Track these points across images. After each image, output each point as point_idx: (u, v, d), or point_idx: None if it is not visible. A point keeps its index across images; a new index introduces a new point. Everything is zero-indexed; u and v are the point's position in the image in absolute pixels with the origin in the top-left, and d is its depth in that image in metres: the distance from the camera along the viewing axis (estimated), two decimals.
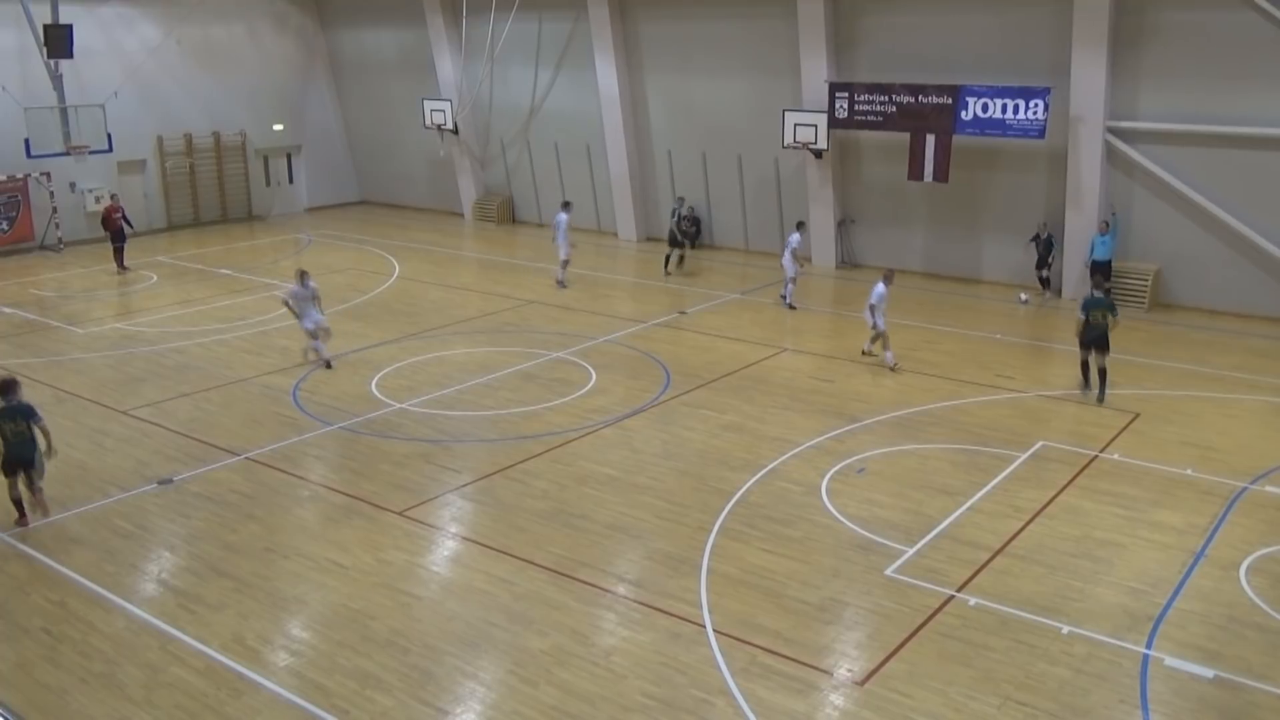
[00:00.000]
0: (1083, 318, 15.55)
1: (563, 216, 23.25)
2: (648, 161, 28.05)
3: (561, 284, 22.96)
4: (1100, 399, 15.46)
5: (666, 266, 24.53)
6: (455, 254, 27.20)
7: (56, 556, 11.06)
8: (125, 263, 25.17)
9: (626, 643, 9.36)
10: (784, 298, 21.39)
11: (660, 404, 15.68)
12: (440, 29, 30.67)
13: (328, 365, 17.39)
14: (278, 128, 33.23)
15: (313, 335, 17.63)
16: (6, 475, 11.67)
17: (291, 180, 34.40)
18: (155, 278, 24.50)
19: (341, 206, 34.77)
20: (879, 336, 17.33)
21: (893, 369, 17.00)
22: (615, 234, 29.03)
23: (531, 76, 29.65)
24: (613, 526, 11.64)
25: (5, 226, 27.03)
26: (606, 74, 27.34)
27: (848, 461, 13.35)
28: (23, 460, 11.66)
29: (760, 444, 14.01)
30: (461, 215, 32.78)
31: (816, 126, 23.77)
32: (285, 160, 34.14)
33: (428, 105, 30.96)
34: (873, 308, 17.07)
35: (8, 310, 21.64)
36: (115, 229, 24.98)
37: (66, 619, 9.84)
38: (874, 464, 13.26)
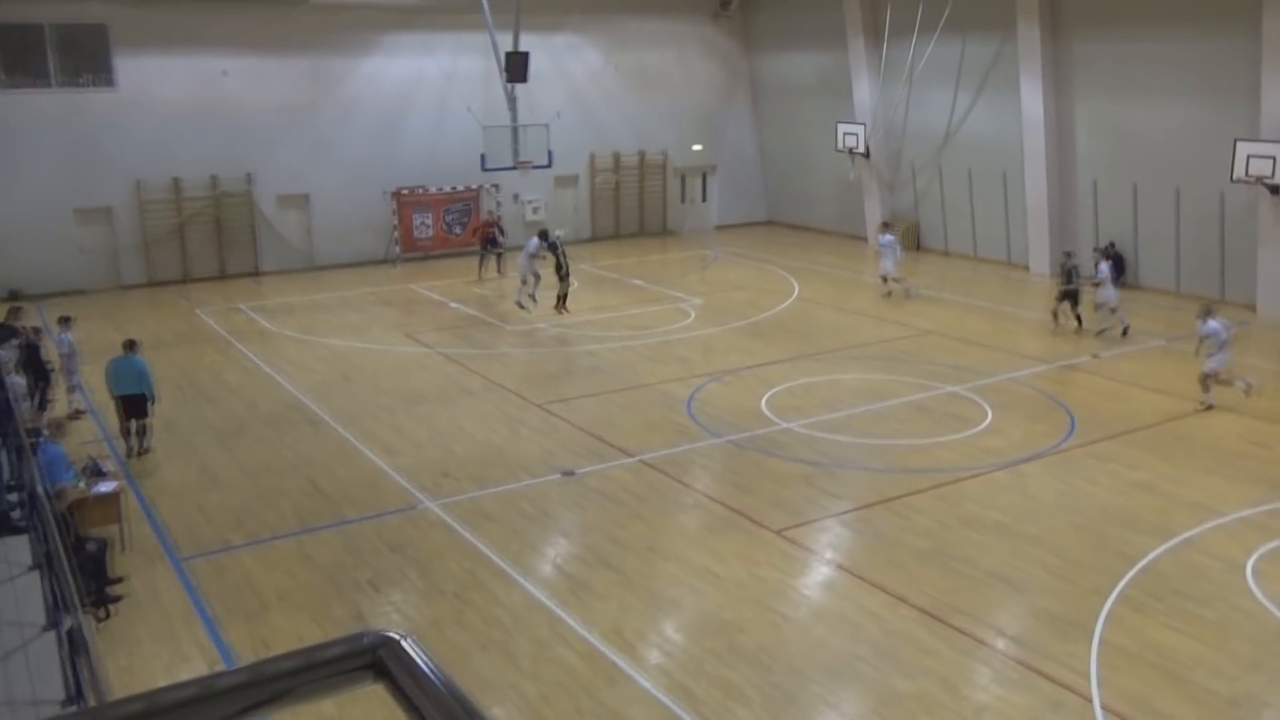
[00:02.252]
0: None
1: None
2: (1069, 191, 26.37)
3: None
4: None
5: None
6: (855, 278, 27.10)
7: (473, 529, 12.33)
8: (487, 273, 26.68)
9: (1000, 701, 8.83)
10: (1110, 329, 20.71)
11: (1061, 451, 14.72)
12: (860, 52, 30.75)
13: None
14: (697, 148, 34.90)
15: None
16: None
17: (704, 198, 35.97)
18: (576, 284, 26.55)
19: (749, 225, 35.84)
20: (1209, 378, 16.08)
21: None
22: (1026, 267, 27.56)
23: (950, 100, 28.90)
24: (996, 575, 11.05)
25: (459, 231, 30.58)
26: (1032, 96, 26.06)
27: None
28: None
29: (1174, 508, 12.70)
30: (864, 239, 32.61)
31: (1276, 159, 21.10)
32: (700, 179, 35.77)
33: (841, 128, 31.14)
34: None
35: (454, 305, 24.47)
36: (486, 239, 27.43)
37: (475, 586, 10.94)
38: None
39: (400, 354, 20.34)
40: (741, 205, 36.19)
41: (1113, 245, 25.28)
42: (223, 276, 27.68)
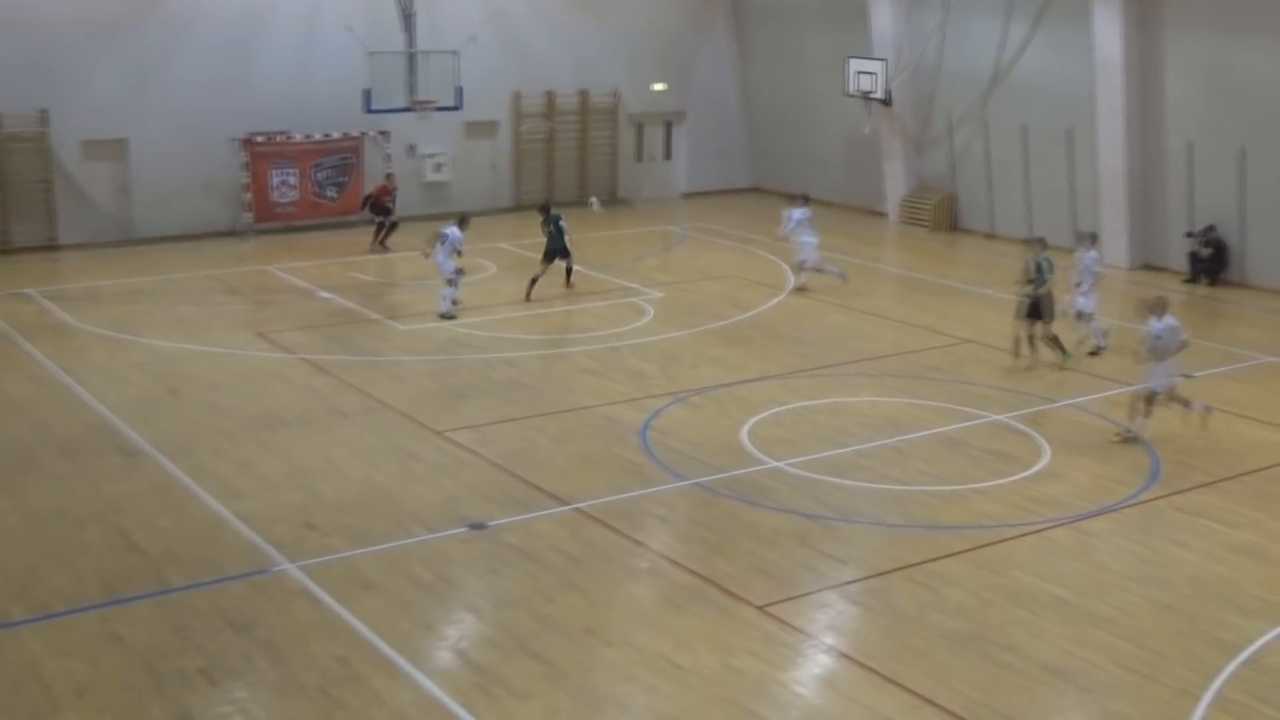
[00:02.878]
0: None
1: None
2: (1155, 157, 26.79)
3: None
4: None
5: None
6: (870, 266, 27.31)
7: (346, 602, 12.20)
8: (386, 241, 28.38)
9: None
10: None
11: (1140, 504, 14.88)
12: None
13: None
14: (658, 88, 35.03)
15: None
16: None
17: (669, 156, 36.12)
18: (494, 268, 26.58)
19: (728, 194, 36.00)
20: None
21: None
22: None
23: (999, 31, 29.26)
24: (1052, 669, 11.15)
25: (333, 194, 30.42)
26: (1107, 29, 26.45)
27: None
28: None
29: None
30: (884, 215, 32.89)
31: None
32: (664, 130, 35.90)
33: (853, 66, 31.39)
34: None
35: (325, 295, 24.32)
36: (379, 207, 28.57)
37: (348, 680, 10.83)
38: None
39: (250, 360, 20.15)
40: (719, 166, 36.33)
41: (1212, 229, 25.73)
42: (5, 251, 27.28)
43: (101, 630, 11.65)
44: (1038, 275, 19.68)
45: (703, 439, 16.76)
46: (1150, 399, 16.58)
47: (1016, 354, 20.08)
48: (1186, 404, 16.73)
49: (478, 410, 17.87)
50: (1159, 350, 16.43)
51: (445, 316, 22.60)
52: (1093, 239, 21.29)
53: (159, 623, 11.78)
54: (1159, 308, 16.69)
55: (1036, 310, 19.77)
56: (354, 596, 12.33)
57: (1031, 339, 20.02)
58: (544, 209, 25.15)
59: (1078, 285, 20.55)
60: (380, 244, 28.58)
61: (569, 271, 24.90)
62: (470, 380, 19.25)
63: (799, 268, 24.95)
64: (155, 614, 11.96)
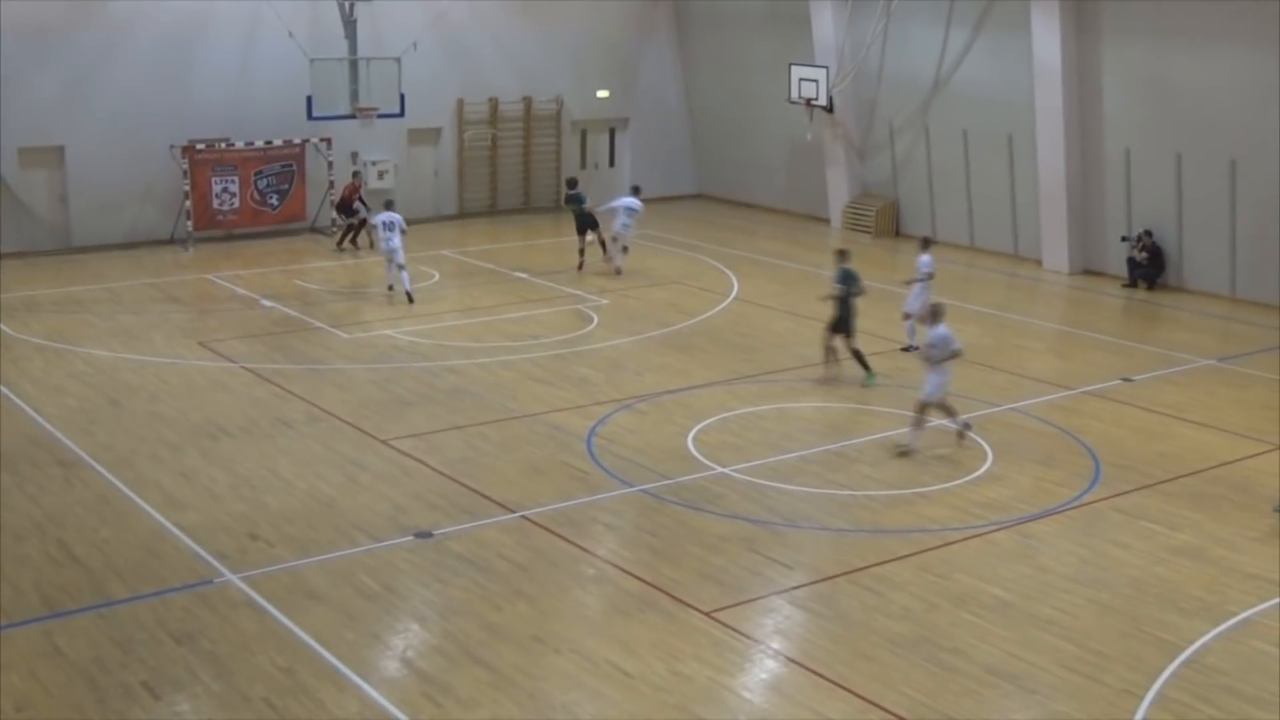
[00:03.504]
0: None
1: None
2: (1094, 163, 27.11)
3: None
4: None
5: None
6: (813, 272, 27.44)
7: (291, 613, 12.12)
8: (357, 240, 29.02)
9: None
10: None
11: (1082, 505, 15.05)
12: None
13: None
14: (602, 95, 35.09)
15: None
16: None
17: (612, 163, 36.17)
18: (437, 276, 26.50)
19: (672, 200, 36.02)
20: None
21: None
22: (1038, 261, 28.23)
23: (940, 37, 29.50)
24: (997, 671, 11.25)
25: (275, 202, 30.18)
26: (1046, 36, 26.73)
27: None
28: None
29: (1229, 581, 13.10)
30: (827, 221, 33.07)
31: None
32: (607, 136, 35.95)
33: (796, 72, 31.56)
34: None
35: (267, 304, 24.13)
36: (348, 208, 29.12)
37: (293, 691, 10.76)
38: None
39: (191, 370, 19.97)
40: (663, 173, 36.37)
41: (1148, 234, 26.08)
42: None
43: (42, 644, 11.50)
44: (841, 285, 19.34)
45: (649, 446, 16.79)
46: (922, 408, 16.53)
47: (825, 362, 19.70)
48: (952, 415, 16.67)
49: (423, 418, 17.81)
50: (930, 358, 16.53)
51: (397, 293, 24.10)
52: (925, 243, 21.65)
53: (100, 636, 11.64)
54: (934, 316, 16.82)
55: (843, 324, 19.32)
56: (299, 607, 12.25)
57: (832, 350, 19.57)
58: (571, 184, 28.30)
59: (908, 284, 21.22)
60: (351, 243, 28.93)
61: (603, 244, 27.16)
62: (415, 388, 19.16)
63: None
64: (96, 627, 11.82)
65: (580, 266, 26.92)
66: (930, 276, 20.93)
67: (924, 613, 12.32)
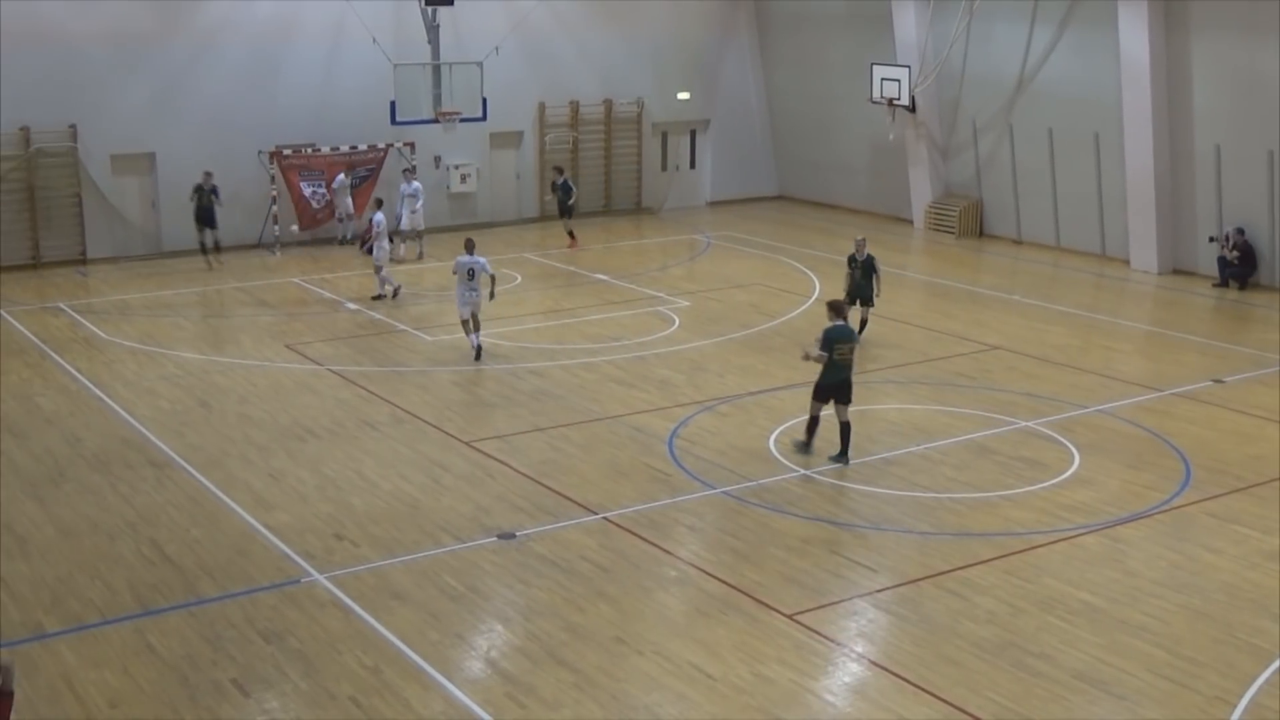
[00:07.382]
0: None
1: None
2: (1183, 160, 26.69)
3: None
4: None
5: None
6: (897, 274, 27.27)
7: (377, 613, 12.27)
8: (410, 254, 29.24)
9: None
10: None
11: (1172, 509, 14.84)
12: None
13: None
14: (683, 97, 35.08)
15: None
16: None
17: (693, 165, 36.15)
18: (519, 278, 26.65)
19: (753, 201, 36.02)
20: None
21: None
22: (1126, 261, 27.85)
23: (1024, 35, 29.21)
24: (1085, 677, 11.13)
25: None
26: (1133, 33, 26.38)
27: None
28: None
29: None
30: (910, 222, 32.84)
31: None
32: (688, 138, 35.94)
33: (878, 73, 31.39)
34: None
35: (352, 307, 24.42)
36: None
37: (379, 690, 10.89)
38: None
39: (279, 372, 20.26)
40: (744, 174, 36.36)
41: (1240, 233, 25.62)
42: (36, 265, 27.47)
43: (135, 641, 11.74)
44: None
45: (730, 447, 16.79)
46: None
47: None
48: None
49: (505, 420, 17.94)
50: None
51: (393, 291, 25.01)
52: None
53: (191, 633, 11.86)
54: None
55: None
56: (384, 607, 12.40)
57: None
58: (558, 170, 30.68)
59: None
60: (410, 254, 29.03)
61: (570, 233, 29.74)
62: (497, 390, 19.31)
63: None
64: (187, 625, 12.05)
65: (571, 242, 29.61)
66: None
67: (1010, 617, 12.21)
